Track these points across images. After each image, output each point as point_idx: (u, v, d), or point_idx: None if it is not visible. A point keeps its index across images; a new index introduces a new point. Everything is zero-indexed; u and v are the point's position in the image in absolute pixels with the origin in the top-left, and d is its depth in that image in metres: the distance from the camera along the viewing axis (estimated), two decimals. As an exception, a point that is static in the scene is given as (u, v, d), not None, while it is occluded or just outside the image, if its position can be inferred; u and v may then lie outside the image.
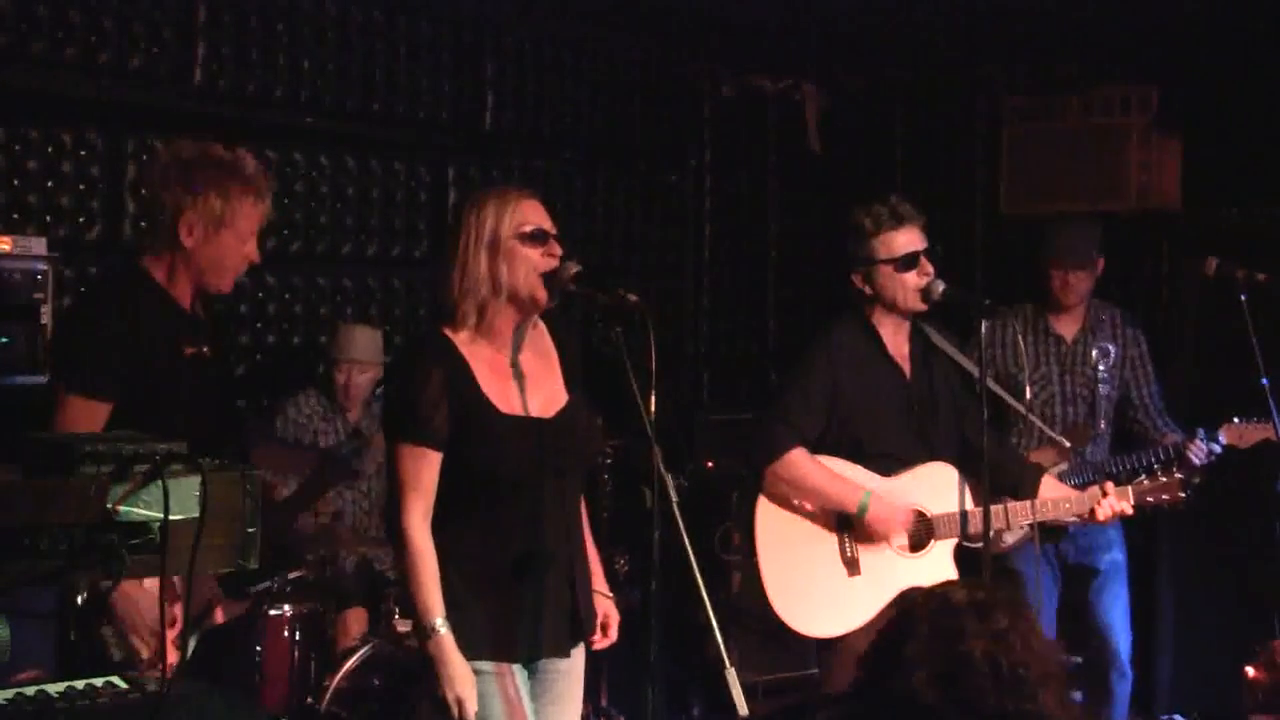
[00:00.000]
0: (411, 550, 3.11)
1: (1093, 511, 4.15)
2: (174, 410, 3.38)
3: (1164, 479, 4.25)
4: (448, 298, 3.18)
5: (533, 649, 3.21)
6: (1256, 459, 4.93)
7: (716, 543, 5.81)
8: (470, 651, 3.12)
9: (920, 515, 4.07)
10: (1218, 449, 4.83)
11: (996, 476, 3.95)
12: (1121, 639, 5.02)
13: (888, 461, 4.05)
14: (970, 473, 4.06)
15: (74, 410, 3.38)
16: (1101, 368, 5.07)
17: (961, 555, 4.13)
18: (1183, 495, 4.25)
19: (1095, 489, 4.19)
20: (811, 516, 4.05)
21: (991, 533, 3.90)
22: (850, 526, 4.05)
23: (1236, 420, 4.84)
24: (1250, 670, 4.54)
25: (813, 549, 4.05)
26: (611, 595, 3.45)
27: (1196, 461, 4.81)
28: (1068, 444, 4.88)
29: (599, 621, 3.39)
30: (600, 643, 3.41)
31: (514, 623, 3.18)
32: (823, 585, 4.04)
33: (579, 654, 3.34)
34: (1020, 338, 4.98)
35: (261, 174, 3.55)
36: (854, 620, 4.01)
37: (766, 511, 4.07)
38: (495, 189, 3.29)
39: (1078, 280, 5.06)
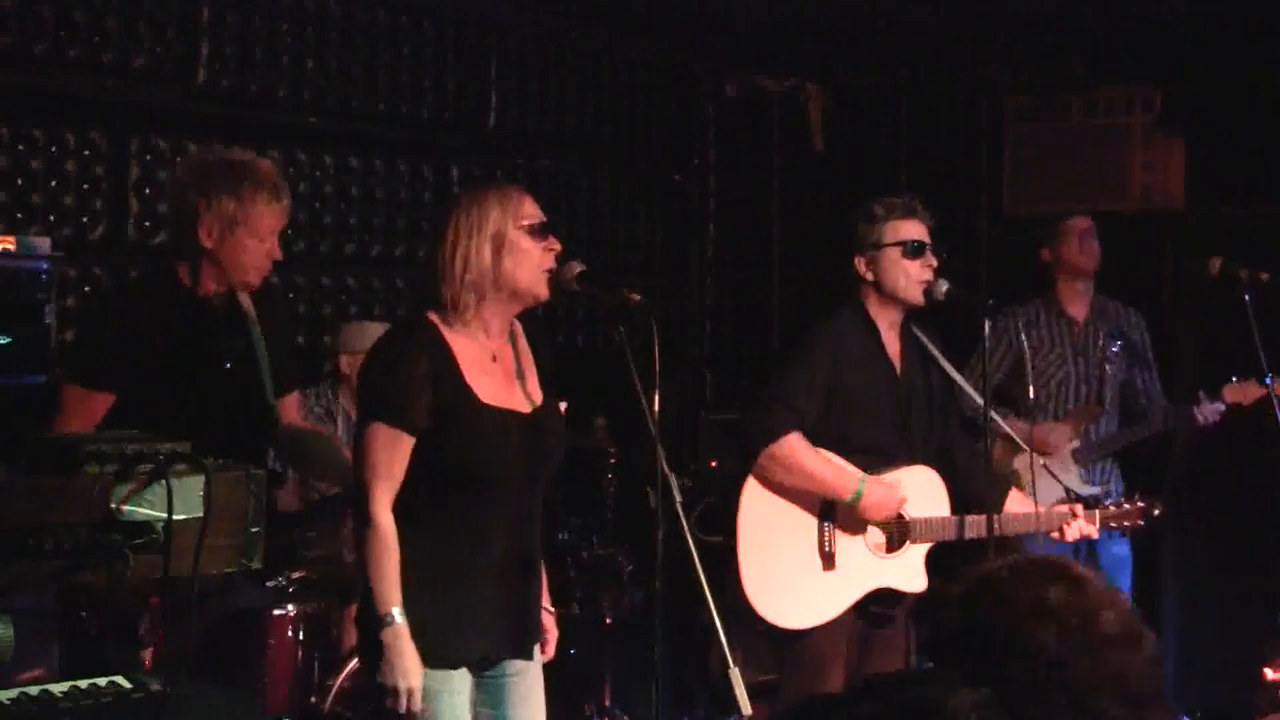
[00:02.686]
0: (376, 536, 3.05)
1: (1061, 531, 4.21)
2: (185, 408, 3.40)
3: (1127, 506, 4.35)
4: (444, 287, 3.14)
5: (493, 648, 3.17)
6: (1261, 457, 4.93)
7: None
8: (426, 650, 3.06)
9: (899, 516, 4.08)
10: (1222, 407, 4.95)
11: (965, 487, 4.06)
12: None
13: (871, 457, 4.04)
14: (947, 478, 4.13)
15: (70, 398, 3.41)
16: (1110, 350, 5.20)
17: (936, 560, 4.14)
18: (1142, 523, 4.37)
19: (1064, 509, 4.27)
20: (796, 505, 4.04)
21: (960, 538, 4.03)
22: (833, 519, 4.05)
23: (1235, 380, 4.94)
24: (1269, 671, 4.53)
25: (792, 538, 4.05)
26: (553, 610, 3.41)
27: (1203, 422, 4.96)
28: (1080, 421, 5.09)
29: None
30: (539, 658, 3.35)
31: (472, 622, 3.13)
32: (796, 575, 4.03)
33: (536, 651, 3.31)
34: (1024, 332, 4.99)
35: (276, 174, 3.65)
36: (821, 615, 4.02)
37: (753, 494, 4.06)
38: (491, 185, 3.29)
39: (1094, 241, 5.17)
